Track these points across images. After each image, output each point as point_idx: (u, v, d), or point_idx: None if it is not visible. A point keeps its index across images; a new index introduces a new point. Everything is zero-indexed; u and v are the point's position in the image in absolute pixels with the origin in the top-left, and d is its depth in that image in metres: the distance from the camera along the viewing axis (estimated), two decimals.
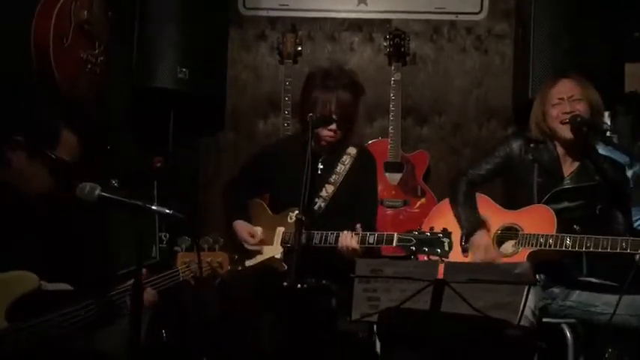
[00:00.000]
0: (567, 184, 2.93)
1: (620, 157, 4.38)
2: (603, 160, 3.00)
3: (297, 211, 2.70)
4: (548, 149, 2.96)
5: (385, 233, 2.79)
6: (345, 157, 3.05)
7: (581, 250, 2.74)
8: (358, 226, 2.83)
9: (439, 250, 2.66)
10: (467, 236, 2.93)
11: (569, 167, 2.97)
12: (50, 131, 2.31)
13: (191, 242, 2.40)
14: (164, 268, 2.43)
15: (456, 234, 2.96)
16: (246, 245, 2.98)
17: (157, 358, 3.05)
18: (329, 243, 2.84)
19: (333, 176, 3.02)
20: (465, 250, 2.94)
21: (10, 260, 2.17)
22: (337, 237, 2.82)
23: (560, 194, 2.92)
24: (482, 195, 3.05)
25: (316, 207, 2.97)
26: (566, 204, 2.90)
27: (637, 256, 2.66)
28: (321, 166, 3.03)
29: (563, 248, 2.76)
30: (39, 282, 2.16)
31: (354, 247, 2.79)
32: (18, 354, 2.09)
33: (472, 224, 2.93)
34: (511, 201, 3.00)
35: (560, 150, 2.96)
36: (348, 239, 2.79)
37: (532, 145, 2.99)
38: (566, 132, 2.90)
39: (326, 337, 2.74)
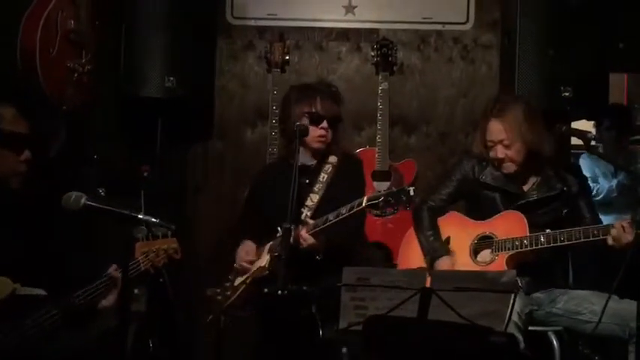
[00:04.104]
0: (532, 196, 2.96)
1: (605, 167, 4.44)
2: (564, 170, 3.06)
3: (284, 226, 2.72)
4: (499, 169, 2.98)
5: (355, 201, 2.78)
6: (327, 167, 3.10)
7: (555, 244, 2.78)
8: (308, 220, 2.88)
9: (404, 197, 2.67)
10: (431, 262, 2.95)
11: (525, 181, 3.00)
12: None
13: (147, 232, 2.40)
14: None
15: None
16: (237, 262, 3.05)
17: None
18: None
19: (317, 185, 3.07)
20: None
21: None
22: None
23: (526, 206, 2.94)
24: (453, 212, 3.09)
25: (302, 216, 2.99)
26: (533, 213, 2.93)
27: (608, 239, 2.72)
28: (307, 181, 3.07)
29: (539, 246, 2.80)
30: (13, 286, 2.15)
31: (304, 237, 2.82)
32: None
33: (436, 252, 2.95)
34: (477, 217, 3.02)
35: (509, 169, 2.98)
36: (298, 232, 2.81)
37: (484, 163, 3.01)
38: (506, 171, 2.95)
39: (306, 343, 2.75)
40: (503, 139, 2.90)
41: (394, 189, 2.73)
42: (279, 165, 3.20)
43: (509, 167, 2.95)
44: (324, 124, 3.03)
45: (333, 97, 3.10)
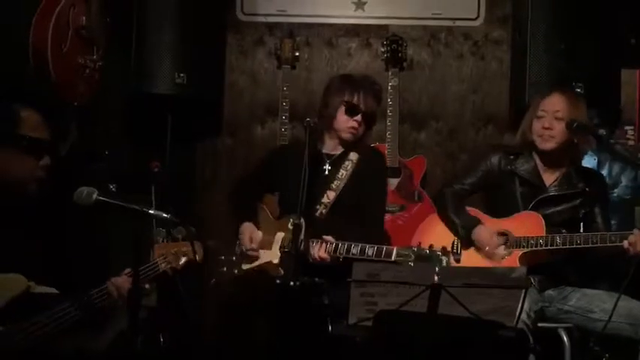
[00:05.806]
0: (552, 191, 2.97)
1: (589, 162, 4.40)
2: (586, 169, 3.09)
3: (294, 221, 2.71)
4: (527, 160, 3.01)
5: (384, 247, 2.76)
6: (347, 163, 3.04)
7: (572, 246, 2.78)
8: (329, 238, 2.83)
9: (432, 260, 2.64)
10: (467, 234, 2.95)
11: (549, 176, 3.01)
12: (6, 114, 2.29)
13: (166, 233, 2.40)
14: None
15: (447, 245, 2.96)
16: (244, 248, 2.99)
17: None
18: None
19: (335, 182, 3.00)
20: (457, 261, 2.95)
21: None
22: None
23: (546, 201, 2.95)
24: (470, 208, 3.08)
25: (317, 213, 2.96)
26: (552, 209, 2.94)
27: (625, 243, 2.72)
28: (329, 167, 3.03)
29: (554, 246, 2.80)
30: (27, 284, 2.17)
31: (323, 257, 2.79)
32: (9, 356, 2.10)
33: (470, 222, 2.97)
34: (495, 212, 3.02)
35: (538, 160, 3.01)
36: (317, 250, 2.79)
37: (511, 156, 3.04)
38: (543, 145, 2.95)
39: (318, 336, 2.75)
40: (559, 110, 2.92)
41: (427, 250, 2.68)
42: (299, 146, 3.02)
43: (549, 142, 2.94)
44: (359, 117, 2.96)
45: (375, 94, 3.03)
